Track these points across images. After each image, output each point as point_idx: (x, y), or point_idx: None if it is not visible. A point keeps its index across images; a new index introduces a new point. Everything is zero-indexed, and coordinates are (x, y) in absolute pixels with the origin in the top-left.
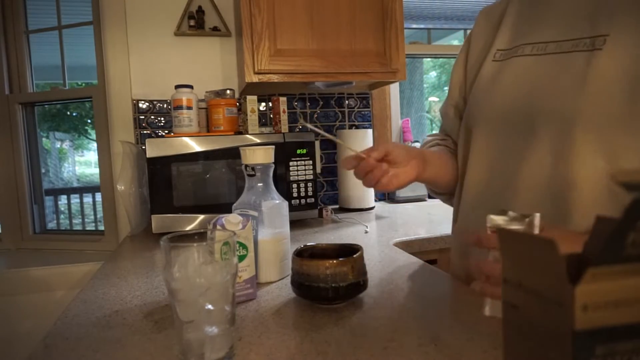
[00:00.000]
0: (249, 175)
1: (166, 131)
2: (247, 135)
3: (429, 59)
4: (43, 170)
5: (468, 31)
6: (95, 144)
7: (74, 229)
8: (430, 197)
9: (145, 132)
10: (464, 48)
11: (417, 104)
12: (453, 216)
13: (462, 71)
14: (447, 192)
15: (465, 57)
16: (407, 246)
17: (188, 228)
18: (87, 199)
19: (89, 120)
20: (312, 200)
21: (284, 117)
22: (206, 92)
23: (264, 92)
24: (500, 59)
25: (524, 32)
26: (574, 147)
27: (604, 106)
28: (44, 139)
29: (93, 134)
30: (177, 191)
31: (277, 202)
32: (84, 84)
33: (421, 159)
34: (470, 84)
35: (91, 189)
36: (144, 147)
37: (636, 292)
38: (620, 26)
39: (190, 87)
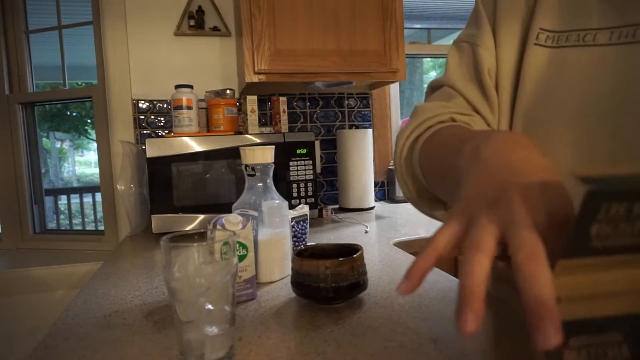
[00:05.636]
0: (249, 175)
1: (166, 131)
2: (247, 135)
3: (429, 59)
4: (43, 170)
5: None
6: (95, 144)
7: (74, 228)
8: None
9: (145, 132)
10: (489, 9)
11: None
12: None
13: (492, 38)
14: None
15: (493, 24)
16: (407, 246)
17: (188, 228)
18: (87, 199)
19: (89, 120)
20: (312, 200)
21: (284, 117)
22: (206, 92)
23: (264, 92)
24: (553, 45)
25: (578, 14)
26: None
27: None
28: (44, 139)
29: (93, 134)
30: (177, 191)
31: (277, 202)
32: (84, 84)
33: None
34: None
35: (91, 189)
36: (144, 147)
37: (608, 286)
38: None
39: (190, 87)
